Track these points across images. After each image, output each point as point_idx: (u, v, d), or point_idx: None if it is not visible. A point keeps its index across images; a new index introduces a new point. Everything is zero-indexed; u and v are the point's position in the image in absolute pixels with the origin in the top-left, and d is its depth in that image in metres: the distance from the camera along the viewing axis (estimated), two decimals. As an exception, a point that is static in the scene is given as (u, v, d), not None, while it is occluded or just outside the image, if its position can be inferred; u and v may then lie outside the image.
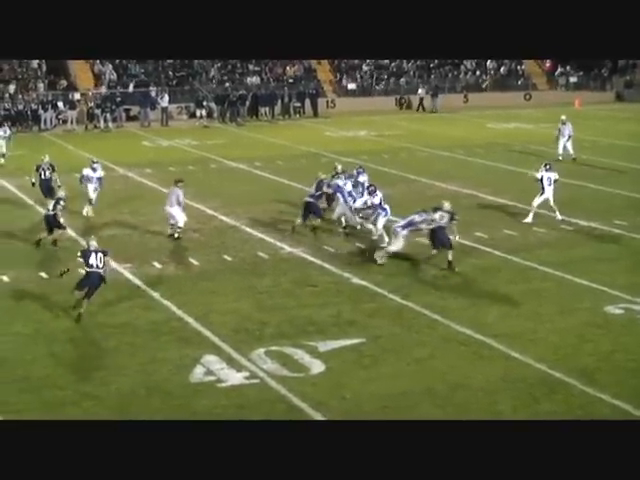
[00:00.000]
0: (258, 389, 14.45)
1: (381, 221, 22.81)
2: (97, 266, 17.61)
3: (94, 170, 26.38)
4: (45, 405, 13.88)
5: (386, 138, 44.24)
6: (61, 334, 17.00)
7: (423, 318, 17.73)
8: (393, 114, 55.18)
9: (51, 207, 22.91)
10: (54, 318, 17.85)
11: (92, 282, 17.65)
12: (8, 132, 37.22)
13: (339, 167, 26.00)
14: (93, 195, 26.30)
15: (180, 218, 23.76)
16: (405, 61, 61.94)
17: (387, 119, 52.14)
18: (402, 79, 60.79)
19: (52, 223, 22.64)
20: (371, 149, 39.82)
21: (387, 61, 61.12)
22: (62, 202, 22.88)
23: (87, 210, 26.20)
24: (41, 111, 48.84)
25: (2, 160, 35.78)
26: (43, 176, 26.68)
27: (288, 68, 58.57)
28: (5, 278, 20.31)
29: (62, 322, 17.64)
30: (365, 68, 61.05)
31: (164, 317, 17.87)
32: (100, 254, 17.76)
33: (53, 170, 26.74)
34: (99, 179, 26.47)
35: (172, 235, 23.80)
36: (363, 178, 25.42)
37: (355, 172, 25.96)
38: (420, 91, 57.82)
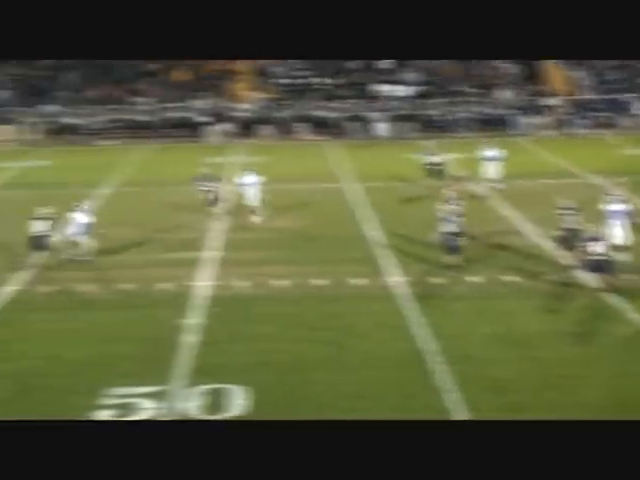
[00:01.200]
0: None
1: None
2: None
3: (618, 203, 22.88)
4: (505, 407, 14.11)
5: None
6: (531, 338, 17.31)
7: None
8: None
9: None
10: (527, 322, 18.24)
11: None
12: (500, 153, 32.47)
13: None
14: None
15: None
16: None
17: None
18: None
19: None
20: None
21: None
22: None
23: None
24: (518, 117, 49.69)
25: None
26: None
27: None
28: (476, 279, 21.02)
29: (535, 326, 17.97)
30: None
31: (634, 330, 17.63)
32: None
33: None
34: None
35: None
36: None
37: None
38: None
